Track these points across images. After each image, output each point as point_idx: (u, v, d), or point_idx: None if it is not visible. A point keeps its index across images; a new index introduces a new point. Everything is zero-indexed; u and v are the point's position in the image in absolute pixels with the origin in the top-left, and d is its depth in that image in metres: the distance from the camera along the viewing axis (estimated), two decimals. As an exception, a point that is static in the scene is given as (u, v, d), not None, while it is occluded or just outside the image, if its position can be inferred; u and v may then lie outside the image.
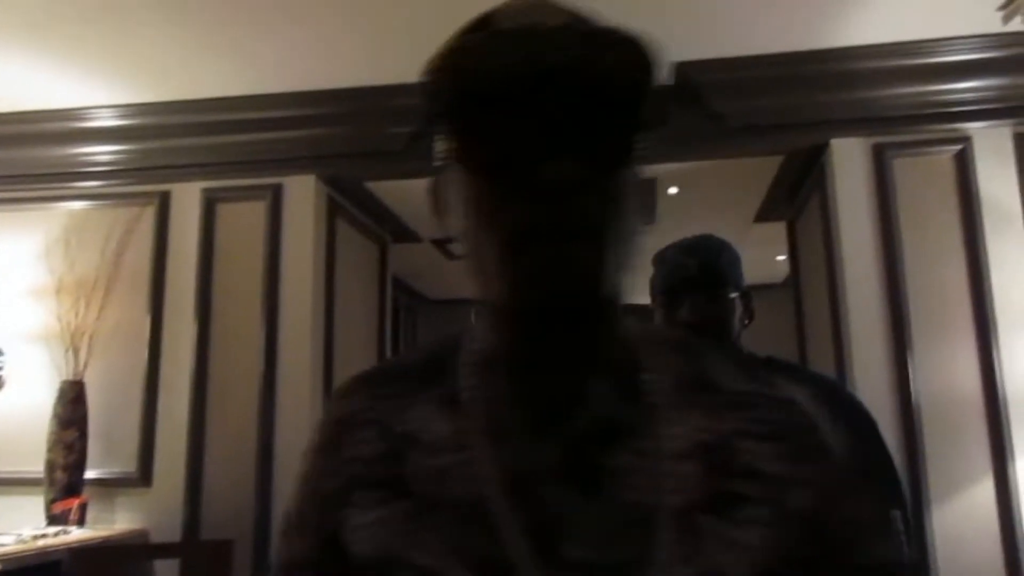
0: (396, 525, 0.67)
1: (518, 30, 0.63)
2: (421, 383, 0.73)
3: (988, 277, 3.10)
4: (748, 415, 0.68)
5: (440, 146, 0.67)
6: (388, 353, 4.46)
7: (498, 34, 0.64)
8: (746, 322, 1.61)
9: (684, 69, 3.33)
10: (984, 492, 2.92)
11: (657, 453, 0.65)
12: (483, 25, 0.67)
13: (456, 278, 6.33)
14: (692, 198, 4.26)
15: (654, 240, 5.30)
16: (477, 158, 0.63)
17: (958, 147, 3.22)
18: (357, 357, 4.03)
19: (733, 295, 1.58)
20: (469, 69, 0.62)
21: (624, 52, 0.62)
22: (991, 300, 3.08)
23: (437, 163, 0.70)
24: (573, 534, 0.63)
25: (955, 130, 3.25)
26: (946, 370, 3.07)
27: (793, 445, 0.67)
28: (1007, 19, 2.97)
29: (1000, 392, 3.00)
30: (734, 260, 1.63)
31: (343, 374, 3.72)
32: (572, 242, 0.60)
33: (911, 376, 3.06)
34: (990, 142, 3.22)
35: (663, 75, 0.59)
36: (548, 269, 0.60)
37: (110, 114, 3.62)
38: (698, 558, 0.62)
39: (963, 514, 2.93)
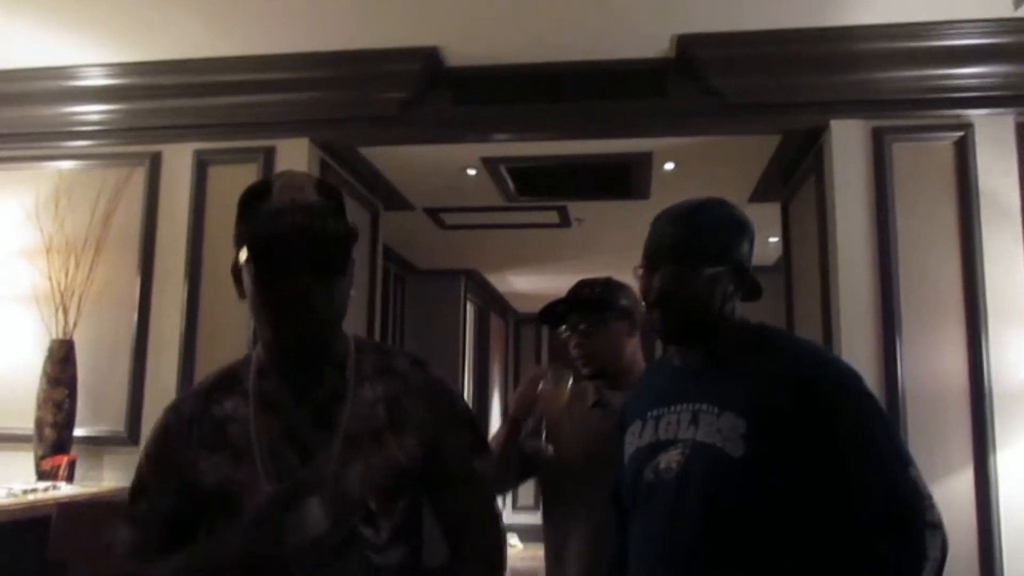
0: (225, 463, 1.26)
1: (284, 206, 1.21)
2: (224, 389, 1.34)
3: (981, 269, 3.08)
4: (409, 379, 1.35)
5: (241, 256, 1.25)
6: (378, 320, 4.45)
7: (273, 211, 1.21)
8: (738, 296, 1.52)
9: (684, 42, 3.28)
10: (963, 482, 2.93)
11: (360, 404, 1.29)
12: (265, 190, 1.25)
13: (447, 249, 6.31)
14: (687, 175, 4.20)
15: (646, 216, 5.28)
16: (258, 271, 1.22)
17: (959, 134, 3.18)
18: (346, 323, 4.01)
19: (713, 270, 1.47)
20: (257, 229, 1.22)
21: (336, 222, 1.24)
22: (983, 292, 3.06)
23: (237, 264, 1.28)
24: (321, 451, 1.24)
25: (957, 116, 3.21)
26: (933, 360, 3.06)
27: (427, 398, 1.34)
28: (1018, 4, 2.91)
29: (986, 384, 3.00)
30: (726, 231, 1.51)
31: (333, 340, 3.70)
32: (305, 320, 1.23)
33: (898, 364, 3.06)
34: (991, 130, 3.18)
35: (348, 230, 1.28)
36: (293, 336, 1.25)
37: (100, 73, 3.57)
38: (384, 452, 1.27)
39: (941, 503, 2.91)
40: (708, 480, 1.40)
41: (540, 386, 2.05)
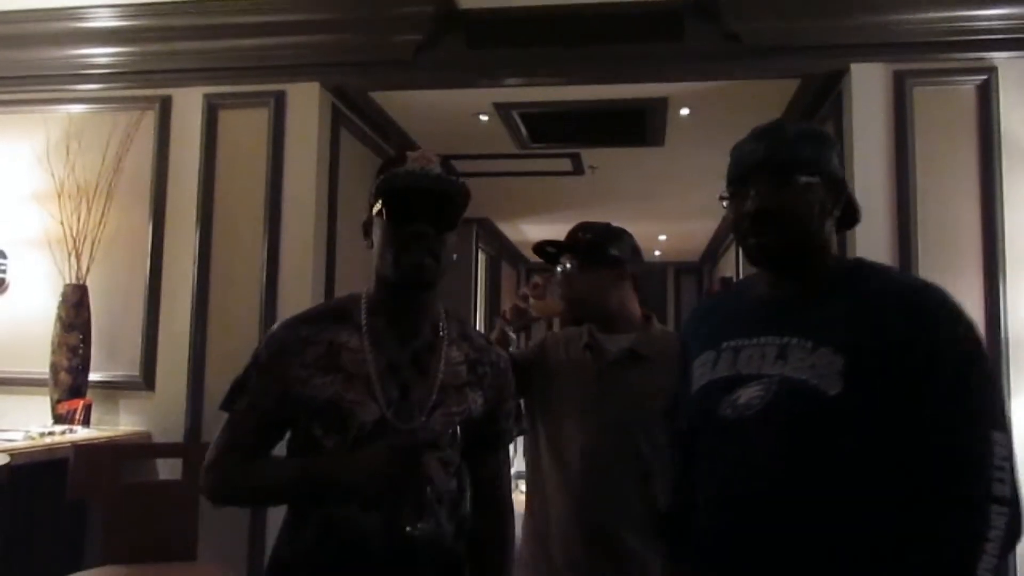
0: (338, 383, 1.49)
1: (419, 169, 1.48)
2: (336, 320, 1.56)
3: (1001, 214, 3.05)
4: (483, 352, 1.64)
5: (375, 208, 1.51)
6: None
7: (410, 171, 1.48)
8: (836, 214, 1.41)
9: (702, -17, 3.21)
10: (977, 430, 2.92)
11: (449, 361, 1.57)
12: (402, 157, 1.52)
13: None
14: (703, 121, 4.15)
15: (660, 164, 5.20)
16: (389, 216, 1.48)
17: (982, 77, 3.12)
18: (358, 269, 4.02)
19: (808, 180, 1.38)
20: (395, 183, 1.48)
21: (455, 187, 1.50)
22: (1002, 239, 3.03)
23: (370, 213, 1.54)
24: (416, 390, 1.52)
25: (980, 59, 3.14)
26: (950, 307, 3.03)
27: (495, 371, 1.64)
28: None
29: (1002, 333, 2.99)
30: (814, 140, 1.42)
31: (344, 285, 3.72)
32: (421, 255, 1.47)
33: (914, 312, 3.03)
34: (1015, 73, 3.11)
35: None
36: (411, 265, 1.47)
37: (109, 14, 3.53)
38: (465, 402, 1.55)
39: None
40: (797, 418, 1.30)
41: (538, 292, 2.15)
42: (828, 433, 1.28)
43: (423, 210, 1.47)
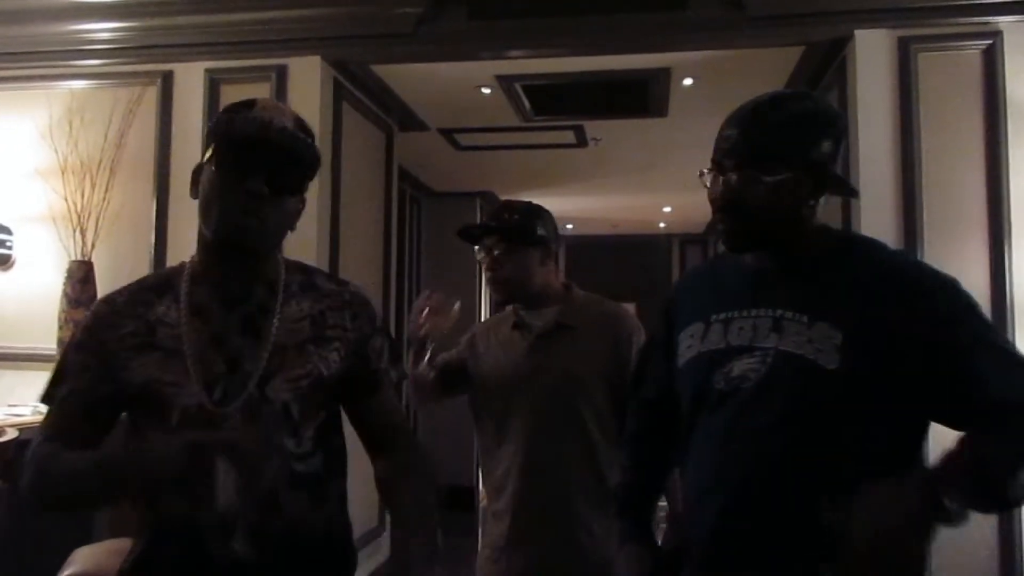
0: (154, 364, 1.31)
1: (264, 118, 1.29)
2: (156, 292, 1.38)
3: (1007, 180, 3.03)
4: (332, 299, 1.44)
5: (207, 155, 1.32)
6: (394, 243, 4.47)
7: (252, 117, 1.29)
8: (818, 198, 1.37)
9: (705, -50, 3.18)
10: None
11: (287, 319, 1.37)
12: (249, 104, 1.32)
13: (462, 170, 6.26)
14: (706, 91, 4.11)
15: (664, 135, 5.16)
16: (219, 166, 1.29)
17: (987, 42, 3.09)
18: (363, 245, 4.03)
19: (777, 177, 1.33)
20: (232, 128, 1.30)
21: (303, 145, 1.32)
22: (1007, 204, 3.01)
23: (201, 163, 1.34)
24: (247, 360, 1.32)
25: (985, 23, 3.11)
26: (955, 273, 3.00)
27: (351, 311, 1.43)
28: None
29: (1008, 298, 2.98)
30: (798, 130, 1.37)
31: (349, 261, 3.73)
32: (246, 216, 1.28)
33: (918, 279, 3.03)
34: (1021, 37, 3.08)
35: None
36: (233, 225, 1.29)
37: (109, -12, 3.51)
38: (308, 364, 1.35)
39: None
40: (796, 393, 1.31)
41: (427, 309, 2.07)
42: (826, 406, 1.30)
43: (260, 166, 1.27)
